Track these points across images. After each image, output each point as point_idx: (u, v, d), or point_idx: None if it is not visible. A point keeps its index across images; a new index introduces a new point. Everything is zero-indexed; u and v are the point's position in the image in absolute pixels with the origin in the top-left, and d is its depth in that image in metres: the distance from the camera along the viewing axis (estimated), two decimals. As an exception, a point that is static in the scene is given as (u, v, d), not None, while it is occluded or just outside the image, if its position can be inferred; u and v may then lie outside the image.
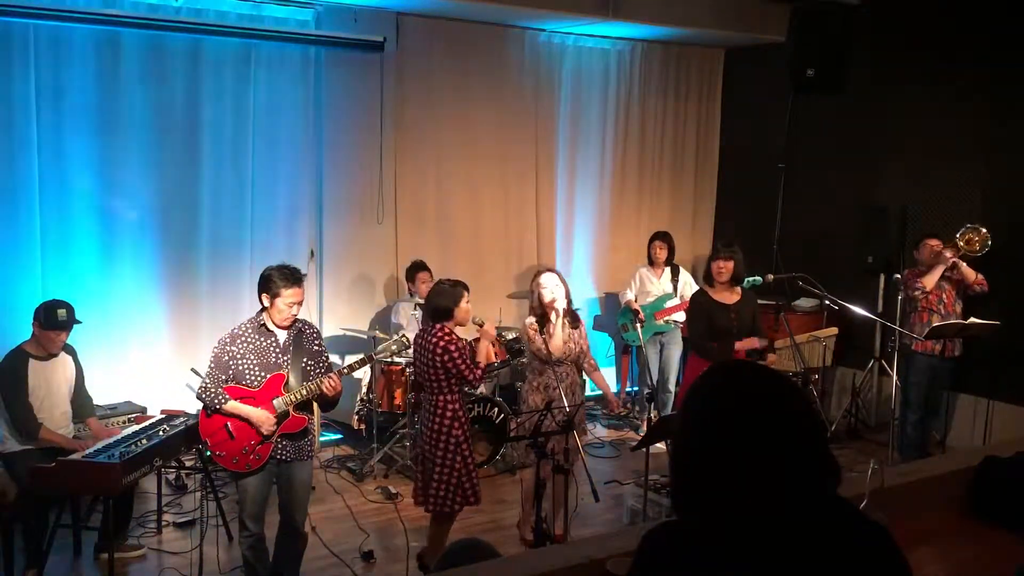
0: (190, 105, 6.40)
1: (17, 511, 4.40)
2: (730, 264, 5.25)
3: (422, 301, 6.00)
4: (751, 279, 5.76)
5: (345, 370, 4.27)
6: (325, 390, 4.04)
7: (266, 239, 6.74)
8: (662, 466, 5.29)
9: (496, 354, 6.14)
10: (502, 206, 7.82)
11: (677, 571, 1.42)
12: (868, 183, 7.36)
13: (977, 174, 6.58)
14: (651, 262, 7.20)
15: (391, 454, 6.23)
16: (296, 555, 4.29)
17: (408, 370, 6.12)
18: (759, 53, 8.20)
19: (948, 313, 5.92)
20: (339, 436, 6.87)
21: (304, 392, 4.02)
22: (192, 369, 5.79)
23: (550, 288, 4.74)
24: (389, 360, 6.12)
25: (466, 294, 4.43)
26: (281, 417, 3.99)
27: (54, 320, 4.57)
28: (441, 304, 4.38)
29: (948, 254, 5.80)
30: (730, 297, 5.31)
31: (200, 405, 4.09)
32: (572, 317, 4.85)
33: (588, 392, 8.03)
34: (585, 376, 5.29)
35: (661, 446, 5.26)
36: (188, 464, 5.64)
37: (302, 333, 4.14)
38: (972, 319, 5.77)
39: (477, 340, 4.67)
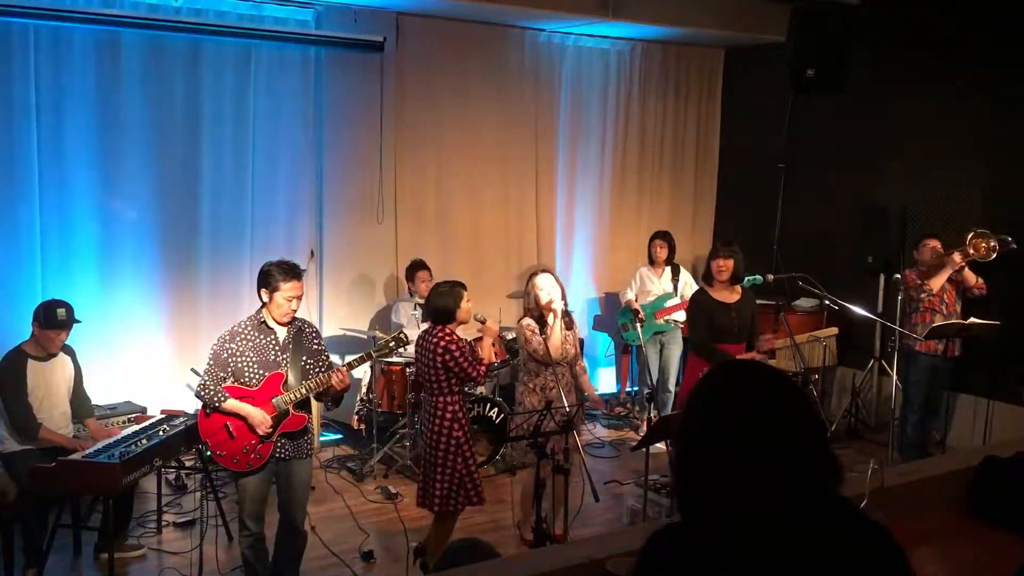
0: (190, 105, 6.41)
1: (17, 511, 4.40)
2: (730, 263, 5.24)
3: (422, 300, 6.01)
4: (751, 278, 5.76)
5: (346, 367, 4.26)
6: (335, 383, 4.02)
7: (266, 239, 6.74)
8: (662, 466, 5.29)
9: (496, 354, 6.14)
10: (502, 206, 7.82)
11: (679, 572, 1.42)
12: (868, 183, 7.36)
13: (977, 174, 6.58)
14: (652, 261, 7.21)
15: (391, 454, 6.23)
16: (296, 554, 4.29)
17: (408, 370, 6.12)
18: (759, 53, 8.20)
19: (950, 313, 5.92)
20: (339, 436, 6.87)
21: (309, 388, 4.01)
22: (192, 369, 5.79)
23: (546, 289, 4.73)
24: (388, 359, 6.13)
25: (465, 294, 4.43)
26: (281, 416, 3.99)
27: (53, 319, 4.57)
28: (443, 305, 4.38)
29: (957, 258, 5.76)
30: (730, 296, 5.30)
31: (199, 404, 4.09)
32: (567, 318, 4.85)
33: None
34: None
35: (661, 446, 5.26)
36: (188, 464, 5.64)
37: (302, 332, 4.14)
38: (972, 319, 5.77)
39: (478, 340, 4.68)
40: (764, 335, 5.44)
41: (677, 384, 7.09)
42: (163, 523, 5.20)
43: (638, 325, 6.27)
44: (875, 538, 1.42)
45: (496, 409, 6.07)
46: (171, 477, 5.77)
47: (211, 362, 4.01)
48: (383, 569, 4.72)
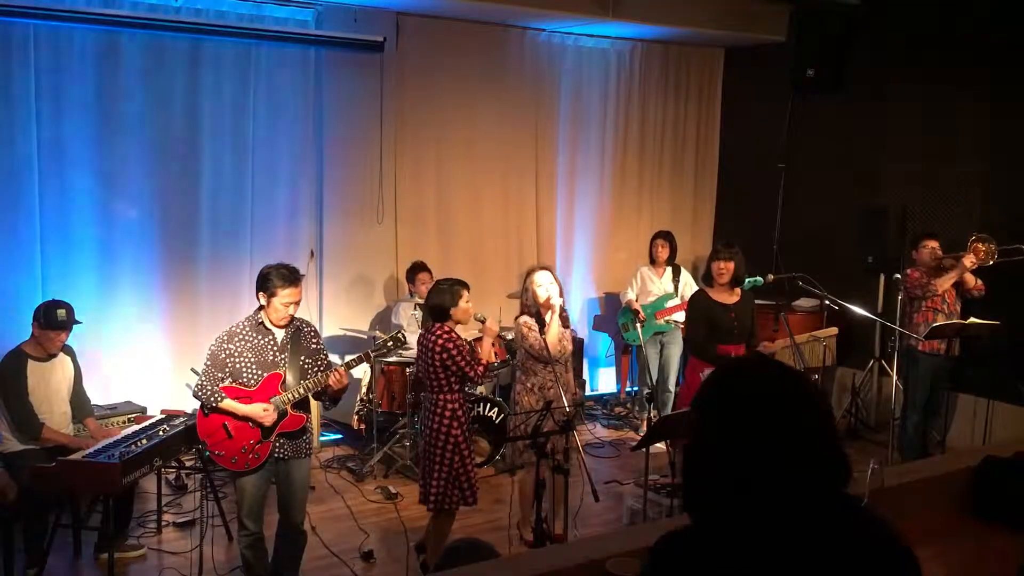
0: (190, 105, 6.40)
1: (17, 511, 4.39)
2: (731, 265, 5.24)
3: (422, 301, 6.01)
4: (751, 280, 5.75)
5: (343, 368, 4.27)
6: (332, 383, 4.03)
7: (266, 239, 6.74)
8: (662, 466, 5.29)
9: (496, 354, 6.14)
10: (502, 206, 7.81)
11: (688, 572, 1.41)
12: (868, 183, 7.36)
13: (977, 174, 6.58)
14: (652, 261, 7.20)
15: (391, 454, 6.23)
16: (296, 554, 4.29)
17: (408, 370, 6.12)
18: (759, 53, 8.19)
19: (951, 312, 5.92)
20: (339, 436, 6.87)
21: (307, 388, 4.01)
22: (192, 369, 5.78)
23: (544, 286, 4.72)
24: (387, 359, 6.13)
25: (465, 293, 4.42)
26: (279, 416, 3.99)
27: (54, 320, 4.57)
28: (439, 302, 4.39)
29: (968, 263, 5.77)
30: (730, 298, 5.30)
31: (198, 404, 4.09)
32: (564, 315, 4.84)
33: (588, 392, 8.09)
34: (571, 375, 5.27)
35: (661, 446, 5.26)
36: (188, 464, 5.64)
37: (300, 332, 4.14)
38: (972, 319, 5.77)
39: (478, 339, 4.67)
40: (763, 342, 5.42)
41: (677, 384, 7.09)
42: (163, 523, 5.20)
43: (638, 325, 6.27)
44: (885, 538, 1.42)
45: (496, 409, 6.07)
46: (171, 477, 5.77)
47: (208, 362, 4.01)
48: (383, 569, 4.72)
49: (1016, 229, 6.16)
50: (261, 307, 4.03)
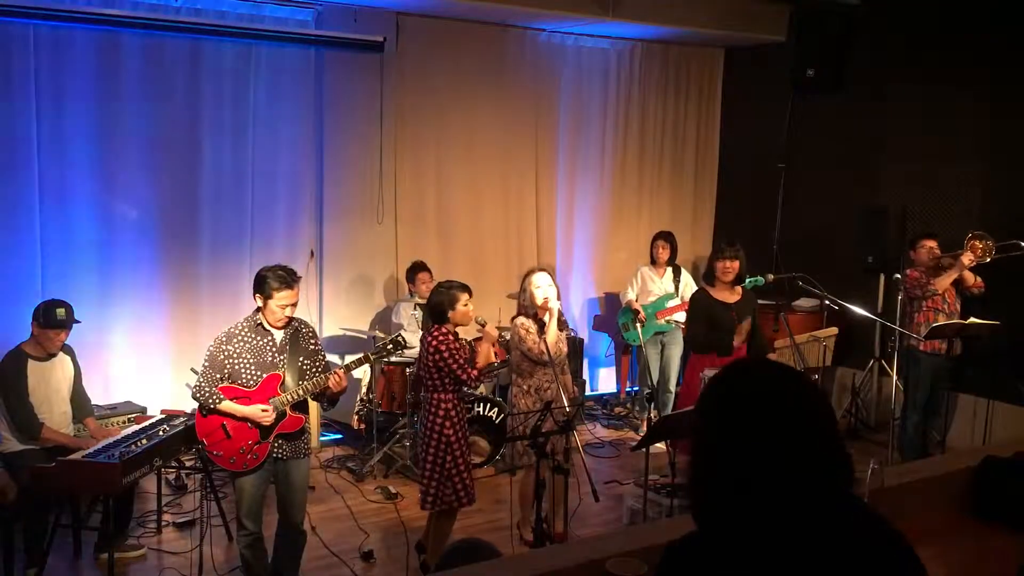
0: (190, 105, 6.40)
1: (17, 511, 4.40)
2: (735, 264, 5.24)
3: (422, 301, 6.01)
4: (753, 279, 5.76)
5: (344, 369, 4.27)
6: (331, 385, 4.04)
7: (266, 239, 6.74)
8: (662, 466, 5.28)
9: (496, 354, 6.14)
10: (502, 206, 7.81)
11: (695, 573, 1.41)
12: (868, 183, 7.36)
13: (977, 174, 6.58)
14: (653, 261, 7.20)
15: (391, 454, 6.23)
16: (295, 554, 4.29)
17: (408, 369, 6.12)
18: (759, 53, 8.19)
19: (951, 312, 5.93)
20: (339, 436, 6.87)
21: (306, 389, 4.02)
22: (192, 369, 5.77)
23: (543, 288, 4.72)
24: (387, 360, 6.12)
25: (464, 296, 4.40)
26: (278, 417, 3.99)
27: (53, 319, 4.57)
28: (436, 303, 4.40)
29: (967, 260, 5.77)
30: (731, 296, 5.30)
31: (196, 404, 4.09)
32: (561, 318, 4.84)
33: (588, 392, 8.08)
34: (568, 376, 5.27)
35: (661, 446, 5.25)
36: (188, 464, 5.64)
37: (299, 332, 4.14)
38: (972, 319, 5.77)
39: (478, 340, 4.67)
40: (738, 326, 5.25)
41: (678, 384, 7.09)
42: (163, 523, 5.20)
43: (639, 325, 6.26)
44: (889, 538, 1.42)
45: (496, 409, 6.07)
46: (171, 477, 5.77)
47: (207, 364, 4.01)
48: (383, 569, 4.72)
49: (1016, 229, 6.16)
50: (259, 308, 4.04)
